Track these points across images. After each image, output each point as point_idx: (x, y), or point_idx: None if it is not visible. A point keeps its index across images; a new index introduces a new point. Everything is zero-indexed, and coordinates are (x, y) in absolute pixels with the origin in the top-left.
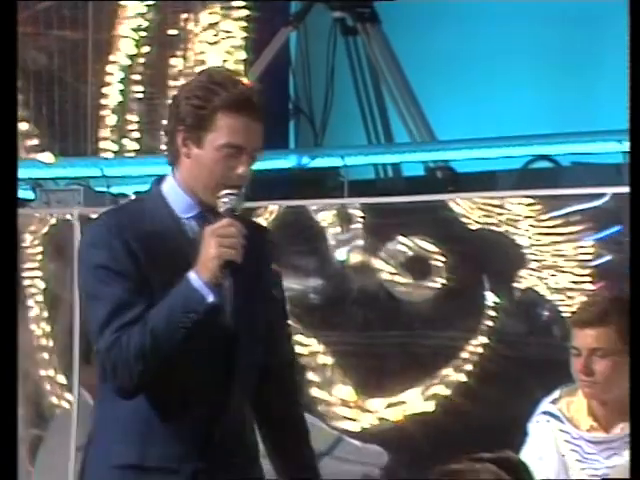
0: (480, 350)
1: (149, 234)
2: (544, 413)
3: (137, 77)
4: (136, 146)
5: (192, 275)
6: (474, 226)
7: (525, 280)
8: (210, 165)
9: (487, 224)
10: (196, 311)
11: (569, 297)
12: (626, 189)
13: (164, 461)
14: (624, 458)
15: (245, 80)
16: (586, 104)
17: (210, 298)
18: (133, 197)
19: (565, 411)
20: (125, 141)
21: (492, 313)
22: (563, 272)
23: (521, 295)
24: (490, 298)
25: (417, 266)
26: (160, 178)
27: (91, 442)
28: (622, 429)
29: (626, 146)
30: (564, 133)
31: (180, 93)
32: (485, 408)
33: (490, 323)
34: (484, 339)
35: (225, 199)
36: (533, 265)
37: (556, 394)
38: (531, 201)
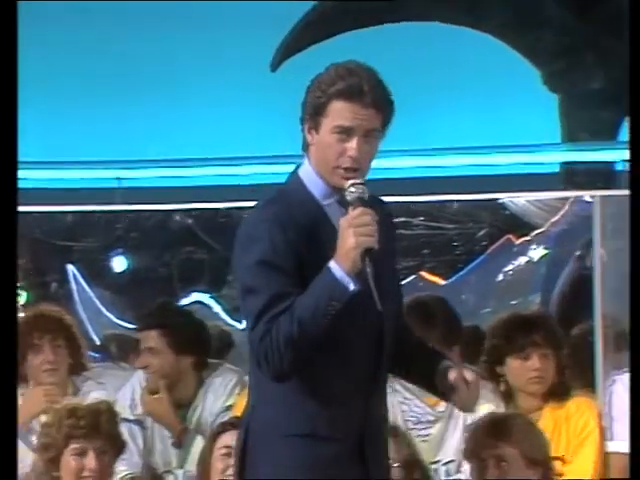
0: None
1: (301, 224)
2: None
3: None
4: None
5: (333, 265)
6: None
7: None
8: (325, 147)
9: None
10: (339, 300)
11: None
12: None
13: (332, 431)
14: None
15: (364, 70)
16: None
17: (351, 287)
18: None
19: None
20: None
21: None
22: None
23: None
24: None
25: None
26: (297, 166)
27: (252, 418)
28: None
29: None
30: None
31: (309, 86)
32: None
33: None
34: None
35: (352, 189)
36: None
37: None
38: None
